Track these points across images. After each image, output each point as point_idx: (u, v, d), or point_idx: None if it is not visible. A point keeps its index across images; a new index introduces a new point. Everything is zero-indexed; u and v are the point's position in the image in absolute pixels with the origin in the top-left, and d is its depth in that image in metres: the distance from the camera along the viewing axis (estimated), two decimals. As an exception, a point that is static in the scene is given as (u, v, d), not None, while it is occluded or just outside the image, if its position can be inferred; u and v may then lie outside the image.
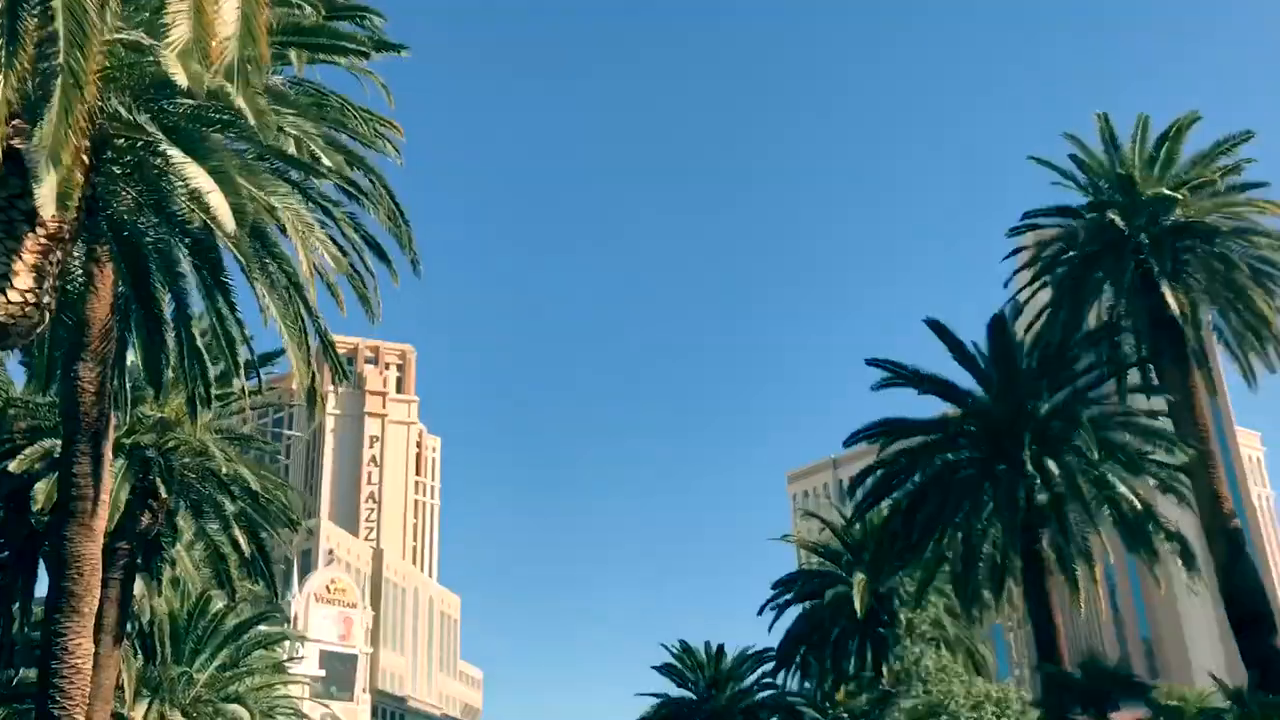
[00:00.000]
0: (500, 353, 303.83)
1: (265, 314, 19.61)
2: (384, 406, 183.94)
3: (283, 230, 14.57)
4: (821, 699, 47.30)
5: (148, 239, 14.46)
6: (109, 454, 18.82)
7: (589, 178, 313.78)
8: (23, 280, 11.74)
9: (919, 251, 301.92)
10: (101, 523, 18.32)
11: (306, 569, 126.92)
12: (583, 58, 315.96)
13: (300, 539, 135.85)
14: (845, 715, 44.52)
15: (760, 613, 50.27)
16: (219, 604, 32.84)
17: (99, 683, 23.40)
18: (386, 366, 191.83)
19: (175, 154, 11.11)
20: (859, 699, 43.92)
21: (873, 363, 29.56)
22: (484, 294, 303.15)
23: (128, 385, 25.05)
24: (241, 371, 19.03)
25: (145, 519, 25.54)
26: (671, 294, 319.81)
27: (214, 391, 26.43)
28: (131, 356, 26.79)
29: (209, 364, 19.74)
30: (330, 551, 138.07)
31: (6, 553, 27.97)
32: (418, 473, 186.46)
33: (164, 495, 25.55)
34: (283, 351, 28.60)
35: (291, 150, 16.10)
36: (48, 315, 12.21)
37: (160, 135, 11.17)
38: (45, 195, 10.27)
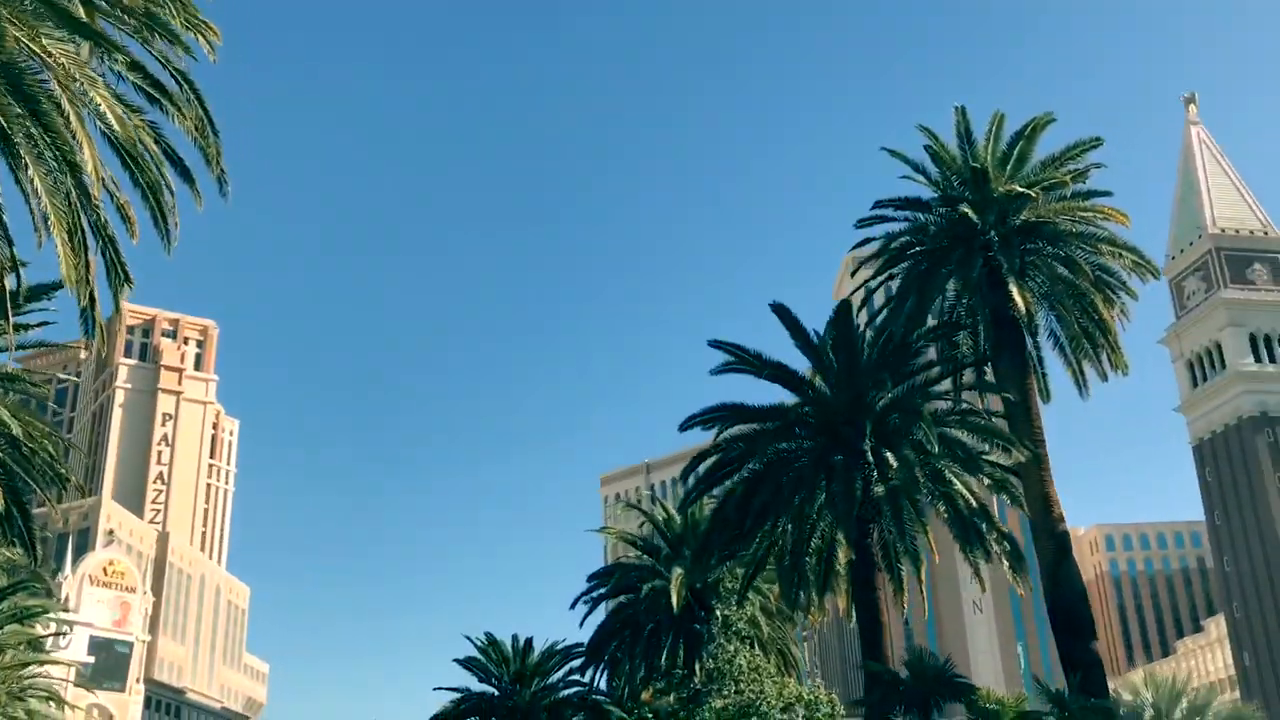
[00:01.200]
0: (310, 339, 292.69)
1: (34, 210, 16.72)
2: (180, 383, 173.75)
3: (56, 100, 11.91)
4: (628, 697, 45.94)
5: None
6: None
7: (412, 162, 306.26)
8: None
9: (759, 250, 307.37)
10: None
11: (83, 549, 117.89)
12: (429, 37, 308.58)
13: (77, 517, 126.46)
14: (650, 715, 43.31)
15: (573, 606, 48.63)
16: (-33, 571, 28.88)
17: None
18: (185, 341, 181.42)
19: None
20: (668, 698, 42.76)
21: (715, 344, 28.29)
22: (297, 275, 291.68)
23: None
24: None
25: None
26: (495, 291, 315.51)
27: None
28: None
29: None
30: (110, 532, 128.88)
31: None
32: (212, 455, 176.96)
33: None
34: (59, 285, 25.39)
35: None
36: None
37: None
38: None
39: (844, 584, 30.71)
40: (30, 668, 32.92)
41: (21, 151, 16.18)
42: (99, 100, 11.91)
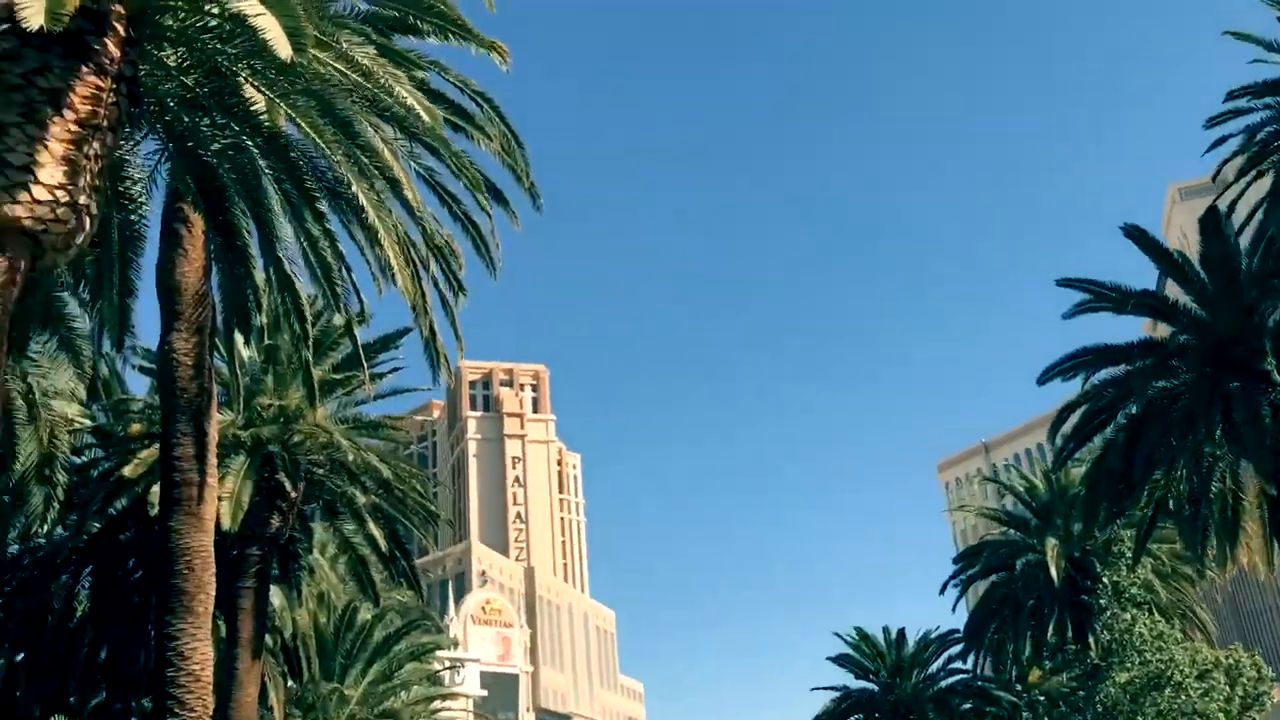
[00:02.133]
0: (632, 365, 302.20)
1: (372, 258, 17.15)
2: (522, 427, 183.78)
3: (366, 101, 11.83)
4: (1015, 679, 43.02)
5: (215, 144, 11.96)
6: (213, 434, 16.58)
7: (699, 165, 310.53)
8: (50, 174, 9.29)
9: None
10: (210, 510, 16.07)
11: (461, 591, 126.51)
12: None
13: (453, 562, 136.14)
14: (1042, 698, 40.22)
15: (943, 591, 46.38)
16: (366, 615, 30.77)
17: (239, 700, 21.29)
18: (522, 388, 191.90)
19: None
20: (1059, 677, 39.55)
21: (1065, 283, 25.61)
22: (612, 306, 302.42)
23: (241, 376, 23.09)
24: (341, 305, 16.63)
25: (274, 521, 23.40)
26: (806, 306, 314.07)
27: (334, 376, 24.45)
28: (248, 351, 25.00)
29: (308, 316, 17.33)
30: (483, 573, 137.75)
31: (139, 573, 26.26)
32: (561, 490, 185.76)
33: (291, 493, 23.36)
34: (406, 331, 26.63)
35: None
36: (89, 221, 9.74)
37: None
38: (31, 3, 7.73)
39: (1258, 529, 27.02)
40: (435, 702, 34.81)
41: (361, 199, 16.72)
42: (415, 103, 11.80)
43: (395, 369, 24.96)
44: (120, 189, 12.38)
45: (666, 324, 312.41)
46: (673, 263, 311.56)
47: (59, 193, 9.42)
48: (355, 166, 11.17)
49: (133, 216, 12.60)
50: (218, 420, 16.88)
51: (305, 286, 17.95)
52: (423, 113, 11.36)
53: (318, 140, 10.87)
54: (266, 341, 23.64)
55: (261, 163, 12.33)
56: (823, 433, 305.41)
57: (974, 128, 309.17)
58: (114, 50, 9.99)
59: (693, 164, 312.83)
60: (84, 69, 9.72)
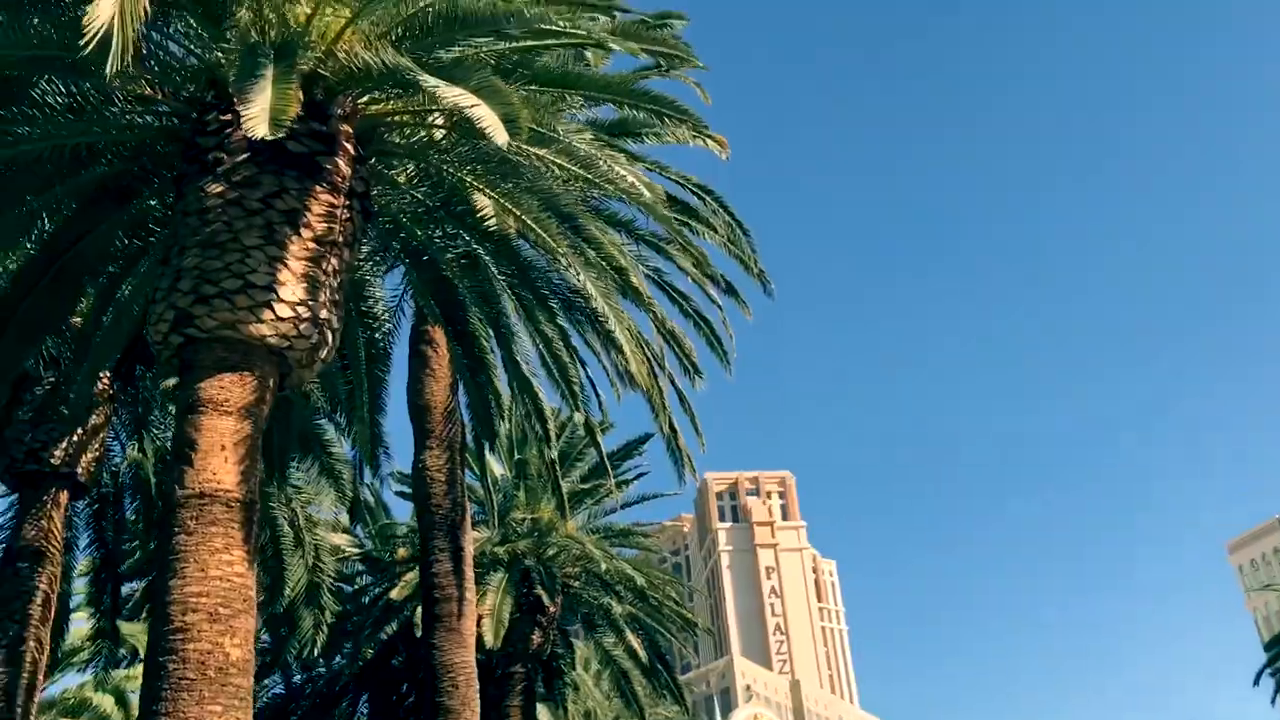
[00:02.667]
0: (883, 463, 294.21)
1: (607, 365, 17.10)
2: (773, 536, 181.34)
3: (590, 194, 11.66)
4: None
5: (448, 254, 12.09)
6: (469, 549, 16.63)
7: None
8: (291, 290, 9.50)
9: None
10: (470, 625, 15.99)
11: (727, 707, 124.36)
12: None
13: (716, 678, 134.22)
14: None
15: (1257, 681, 42.20)
16: (634, 732, 30.13)
17: (515, 824, 21.02)
18: (769, 495, 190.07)
19: (429, 80, 8.58)
20: None
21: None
22: (854, 396, 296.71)
23: (494, 493, 23.38)
24: (579, 404, 16.50)
25: (535, 637, 23.36)
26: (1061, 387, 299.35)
27: (582, 486, 24.45)
28: (500, 469, 25.40)
29: (549, 419, 17.31)
30: (748, 688, 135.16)
31: (411, 697, 26.72)
32: (819, 599, 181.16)
33: (549, 607, 23.28)
34: (647, 437, 26.43)
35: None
36: (330, 334, 9.88)
37: (421, 73, 8.65)
38: (255, 114, 7.90)
39: None
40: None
41: (595, 298, 16.71)
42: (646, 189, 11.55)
43: (640, 474, 24.77)
44: (364, 308, 12.69)
45: (912, 416, 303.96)
46: (917, 350, 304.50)
47: (300, 309, 9.60)
48: (583, 260, 10.93)
49: (377, 334, 12.88)
50: (473, 536, 16.96)
51: (547, 395, 18.03)
52: (646, 192, 11.03)
53: (546, 239, 10.75)
54: (516, 457, 23.98)
55: (494, 269, 12.39)
56: (1084, 516, 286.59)
57: None
58: (344, 168, 10.24)
59: (937, 246, 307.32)
60: (317, 188, 9.99)
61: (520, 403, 15.72)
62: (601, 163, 10.63)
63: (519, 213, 11.18)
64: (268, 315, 9.43)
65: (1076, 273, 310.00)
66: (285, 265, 9.62)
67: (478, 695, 15.73)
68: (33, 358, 13.12)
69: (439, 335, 17.05)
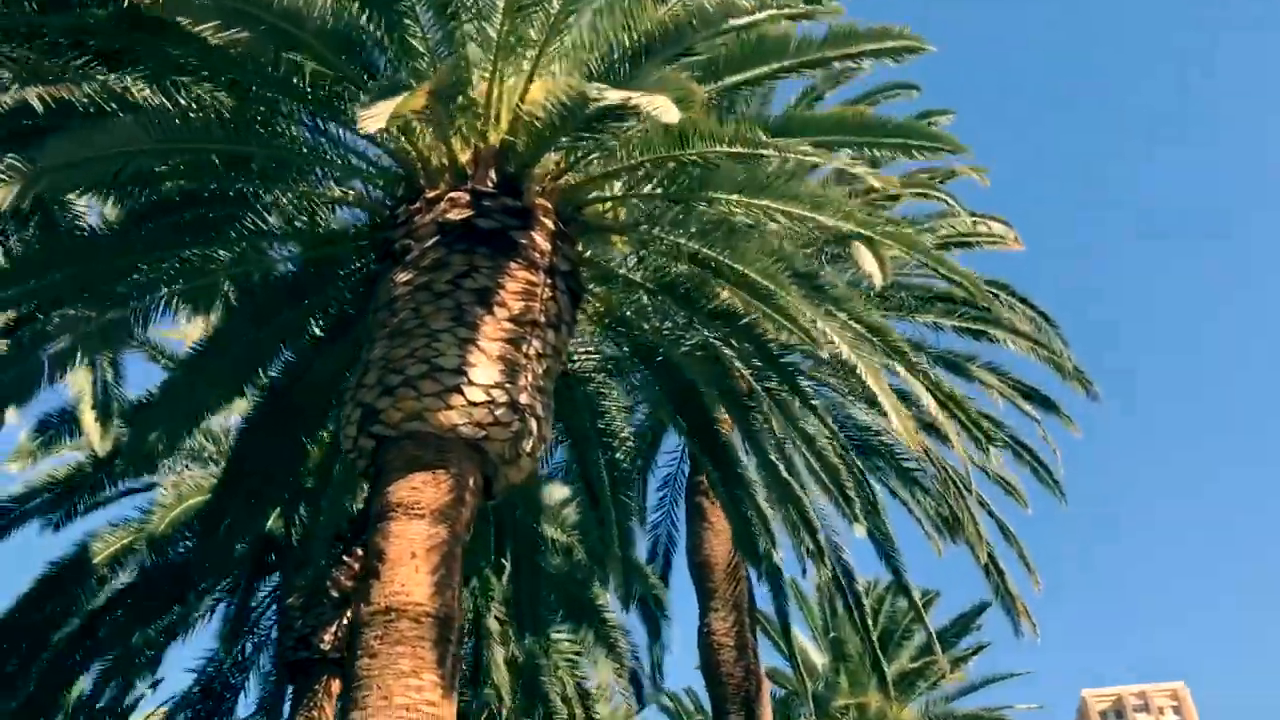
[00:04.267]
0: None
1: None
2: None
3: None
4: None
5: (681, 349, 10.52)
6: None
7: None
8: (484, 374, 8.24)
9: None
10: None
11: None
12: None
13: None
14: None
15: None
16: None
17: None
18: (1160, 712, 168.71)
19: (598, 88, 7.37)
20: None
21: None
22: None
23: (809, 679, 20.76)
24: (895, 564, 14.09)
25: None
26: None
27: (911, 665, 21.39)
28: (814, 652, 22.73)
29: (856, 579, 15.00)
30: None
31: None
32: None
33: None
34: (984, 607, 22.95)
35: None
36: (535, 424, 8.48)
37: (593, 84, 7.50)
38: (372, 113, 6.84)
39: None
40: None
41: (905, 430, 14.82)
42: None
43: (979, 647, 21.40)
44: (600, 425, 11.30)
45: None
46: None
47: (495, 392, 8.31)
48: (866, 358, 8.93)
49: (618, 455, 11.39)
50: (770, 709, 14.64)
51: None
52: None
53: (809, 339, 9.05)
54: (831, 635, 21.43)
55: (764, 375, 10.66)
56: None
57: None
58: (542, 243, 9.12)
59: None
60: (511, 264, 8.89)
61: (804, 539, 13.64)
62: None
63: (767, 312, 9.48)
64: (458, 400, 8.17)
65: None
66: (477, 347, 8.42)
67: None
68: (269, 517, 12.53)
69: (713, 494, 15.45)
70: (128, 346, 12.13)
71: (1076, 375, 15.33)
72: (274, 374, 10.96)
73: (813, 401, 11.64)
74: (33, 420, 13.81)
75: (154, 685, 17.95)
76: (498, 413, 8.28)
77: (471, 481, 8.32)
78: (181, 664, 15.55)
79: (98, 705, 13.26)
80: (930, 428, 15.63)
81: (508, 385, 8.40)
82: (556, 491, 16.07)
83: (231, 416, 12.97)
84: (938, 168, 15.50)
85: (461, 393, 8.21)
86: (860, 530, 11.87)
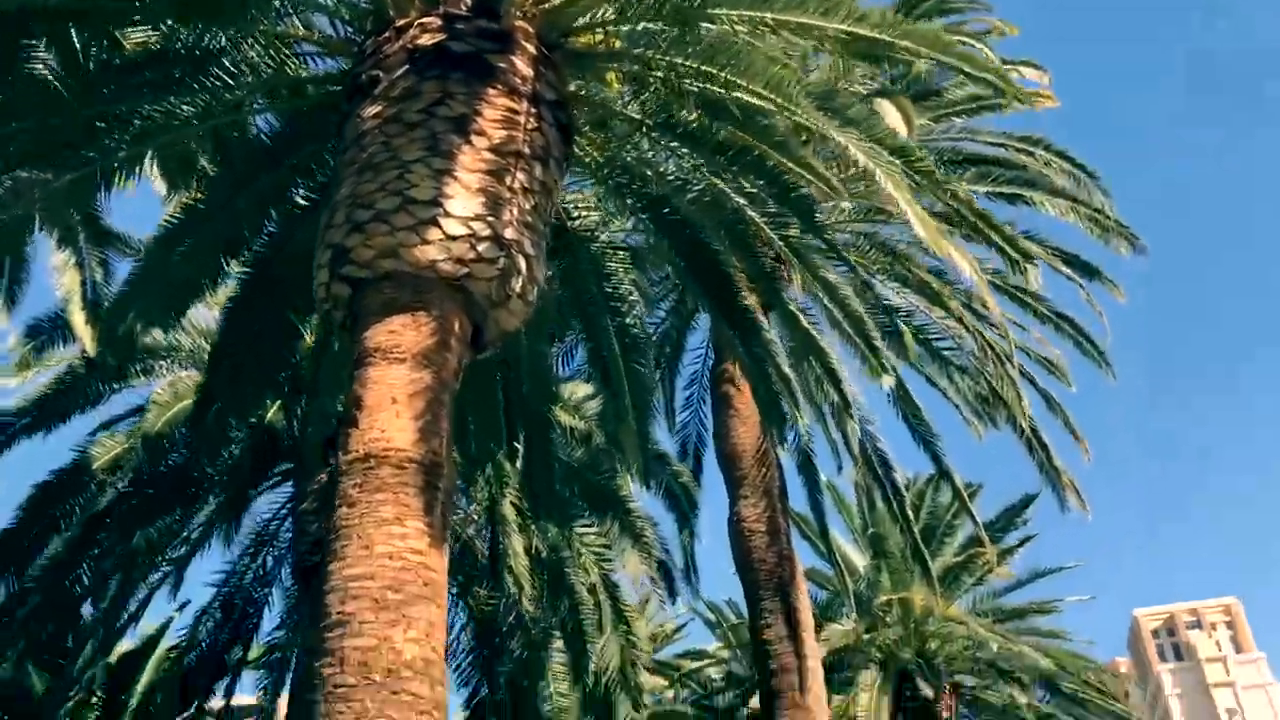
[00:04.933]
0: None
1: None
2: (1228, 673, 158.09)
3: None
4: None
5: (689, 194, 9.71)
6: (805, 609, 13.65)
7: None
8: (462, 205, 7.48)
9: None
10: (816, 699, 12.85)
11: None
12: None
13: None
14: None
15: None
16: None
17: None
18: (1213, 628, 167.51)
19: None
20: None
21: None
22: None
23: (850, 578, 20.09)
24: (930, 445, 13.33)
25: (929, 748, 19.47)
26: None
27: (955, 560, 20.69)
28: (852, 552, 22.04)
29: (893, 466, 14.32)
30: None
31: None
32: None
33: (942, 712, 19.38)
34: (1031, 499, 22.10)
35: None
36: (524, 261, 7.71)
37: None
38: None
39: None
40: None
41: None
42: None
43: (1026, 539, 20.62)
44: (607, 289, 10.52)
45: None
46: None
47: (476, 225, 7.54)
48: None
49: (628, 320, 10.59)
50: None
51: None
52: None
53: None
54: (870, 531, 20.73)
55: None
56: None
57: None
58: (523, 68, 8.29)
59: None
60: (490, 90, 8.07)
61: (833, 414, 12.86)
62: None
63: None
64: (434, 234, 7.40)
65: None
66: (454, 178, 7.63)
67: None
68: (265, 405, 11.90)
69: (739, 371, 14.71)
70: (104, 233, 11.47)
71: (1119, 230, 14.36)
72: (258, 248, 10.28)
73: (832, 240, 10.85)
74: (21, 326, 13.29)
75: (180, 608, 17.60)
76: (480, 248, 7.52)
77: (457, 326, 7.58)
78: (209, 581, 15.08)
79: (101, 604, 12.83)
80: (968, 307, 14.84)
81: (490, 218, 7.62)
82: (579, 389, 15.55)
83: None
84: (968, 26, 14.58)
85: (438, 225, 7.44)
86: (888, 381, 11.03)
